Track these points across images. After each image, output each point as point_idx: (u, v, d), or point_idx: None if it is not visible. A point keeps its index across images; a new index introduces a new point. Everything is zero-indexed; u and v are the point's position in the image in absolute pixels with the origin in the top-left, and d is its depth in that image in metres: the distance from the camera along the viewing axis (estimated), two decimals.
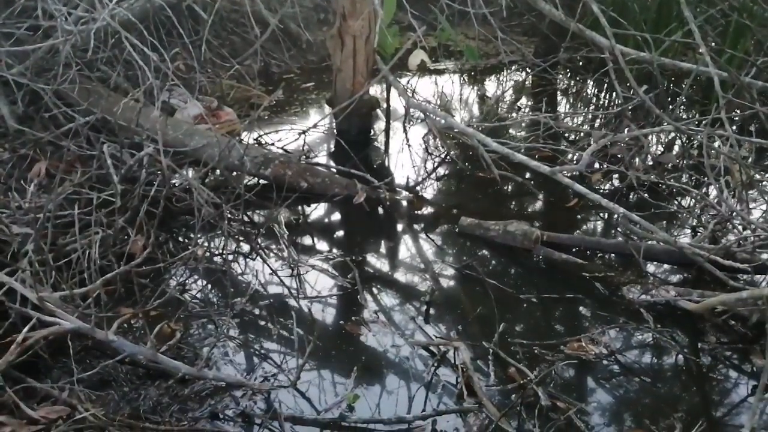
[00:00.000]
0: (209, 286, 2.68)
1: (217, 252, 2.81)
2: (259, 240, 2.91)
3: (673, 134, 3.90)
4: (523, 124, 4.30)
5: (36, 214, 2.39)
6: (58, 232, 2.48)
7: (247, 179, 3.33)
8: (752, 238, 2.72)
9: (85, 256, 2.34)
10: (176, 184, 2.99)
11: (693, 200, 3.40)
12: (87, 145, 3.08)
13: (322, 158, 3.75)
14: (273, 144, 3.73)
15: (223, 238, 2.84)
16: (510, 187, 3.48)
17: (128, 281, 2.40)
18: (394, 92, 3.98)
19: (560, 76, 5.06)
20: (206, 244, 2.81)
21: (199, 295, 2.62)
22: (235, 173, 3.27)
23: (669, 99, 4.05)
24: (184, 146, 3.21)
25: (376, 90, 4.41)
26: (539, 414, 2.07)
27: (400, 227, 3.18)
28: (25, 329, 1.87)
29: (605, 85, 4.93)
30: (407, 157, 3.82)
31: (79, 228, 2.38)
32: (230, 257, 2.82)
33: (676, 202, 3.35)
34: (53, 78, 3.19)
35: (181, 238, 2.96)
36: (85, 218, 2.52)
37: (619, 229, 3.15)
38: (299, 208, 3.25)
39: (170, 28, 3.60)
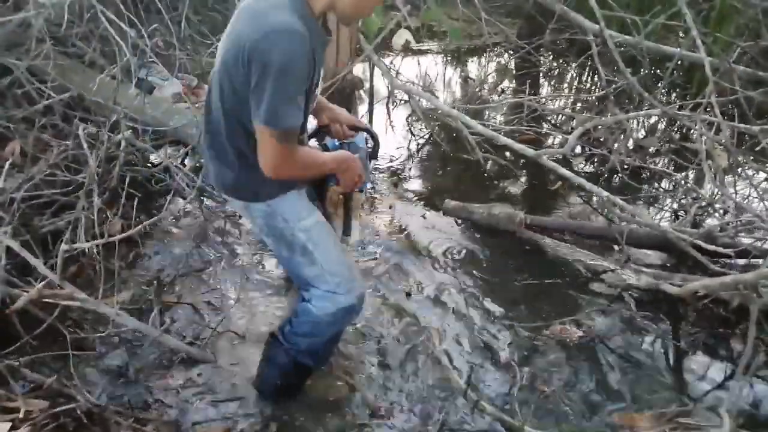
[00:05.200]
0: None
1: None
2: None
3: (655, 118, 3.90)
4: (507, 107, 4.27)
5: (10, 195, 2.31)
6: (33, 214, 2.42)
7: None
8: (734, 222, 2.73)
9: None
10: (154, 165, 2.92)
11: (675, 184, 3.41)
12: (63, 123, 2.98)
13: None
14: None
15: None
16: (494, 169, 3.47)
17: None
18: (377, 72, 3.93)
19: (543, 58, 5.03)
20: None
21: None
22: None
23: (652, 82, 4.05)
24: (163, 125, 3.13)
25: (359, 70, 4.35)
26: (523, 396, 2.08)
27: (381, 209, 3.15)
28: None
29: (588, 68, 4.92)
30: (391, 139, 3.78)
31: (56, 209, 2.32)
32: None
33: (657, 186, 3.36)
34: (26, 53, 3.07)
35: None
36: (62, 199, 2.45)
37: (602, 212, 3.16)
38: None
39: (148, 3, 3.49)
